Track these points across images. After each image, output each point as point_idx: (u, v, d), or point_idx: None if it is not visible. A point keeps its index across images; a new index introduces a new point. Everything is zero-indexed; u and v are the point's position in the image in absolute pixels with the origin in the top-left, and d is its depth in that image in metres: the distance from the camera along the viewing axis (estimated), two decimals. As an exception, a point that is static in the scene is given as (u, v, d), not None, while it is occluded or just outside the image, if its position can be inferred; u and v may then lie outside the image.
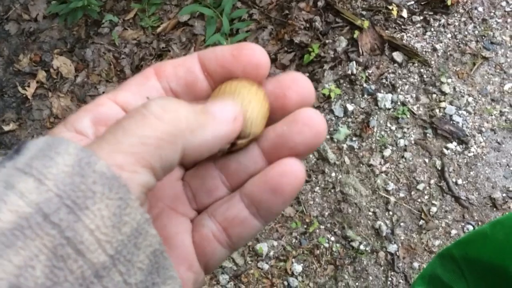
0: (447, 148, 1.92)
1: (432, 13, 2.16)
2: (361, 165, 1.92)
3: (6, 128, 2.20)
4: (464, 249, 0.77)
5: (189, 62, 0.33)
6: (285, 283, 1.79)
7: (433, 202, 1.85)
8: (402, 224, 1.83)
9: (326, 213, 1.87)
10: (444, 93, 2.00)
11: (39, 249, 0.22)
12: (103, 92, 2.23)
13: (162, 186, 0.33)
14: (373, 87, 2.03)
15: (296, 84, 0.32)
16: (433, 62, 2.06)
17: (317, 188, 1.90)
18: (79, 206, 0.24)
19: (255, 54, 0.31)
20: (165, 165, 0.27)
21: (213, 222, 0.33)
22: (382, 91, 2.02)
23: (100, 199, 0.24)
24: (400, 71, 2.05)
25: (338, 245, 1.83)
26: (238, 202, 0.32)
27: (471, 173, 1.89)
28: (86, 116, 0.31)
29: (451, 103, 1.98)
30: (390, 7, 2.15)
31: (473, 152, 1.91)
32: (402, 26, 2.15)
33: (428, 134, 1.94)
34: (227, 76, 0.32)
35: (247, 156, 0.33)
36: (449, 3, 2.12)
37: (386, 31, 2.14)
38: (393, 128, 1.96)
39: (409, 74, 2.05)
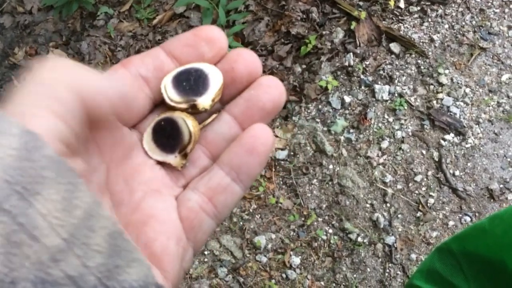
0: (444, 140, 1.92)
1: (429, 3, 2.14)
2: (359, 157, 1.92)
3: (2, 122, 2.20)
4: (463, 244, 0.77)
5: (154, 51, 0.35)
6: (283, 275, 1.80)
7: (431, 193, 1.86)
8: (399, 216, 1.84)
9: (324, 206, 1.87)
10: (441, 84, 1.99)
11: None
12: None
13: (141, 171, 0.35)
14: (370, 78, 2.02)
15: (242, 57, 0.35)
16: (430, 53, 2.05)
17: (315, 180, 1.91)
18: (30, 191, 0.23)
19: (213, 30, 0.35)
20: (68, 108, 0.27)
21: (197, 195, 0.34)
22: (379, 82, 2.02)
23: (50, 184, 0.24)
24: (397, 62, 2.05)
25: (336, 237, 1.83)
26: (218, 171, 0.34)
27: (469, 164, 1.89)
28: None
29: (448, 94, 1.98)
30: (387, -2, 2.14)
31: (471, 143, 1.91)
32: (399, 17, 2.13)
33: (425, 126, 1.94)
34: (192, 53, 0.35)
35: (221, 124, 0.36)
36: (446, -7, 2.11)
37: (383, 22, 2.13)
38: (391, 119, 1.96)
39: (406, 65, 2.04)
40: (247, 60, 0.35)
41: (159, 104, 0.37)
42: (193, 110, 0.36)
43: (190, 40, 0.35)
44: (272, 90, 0.35)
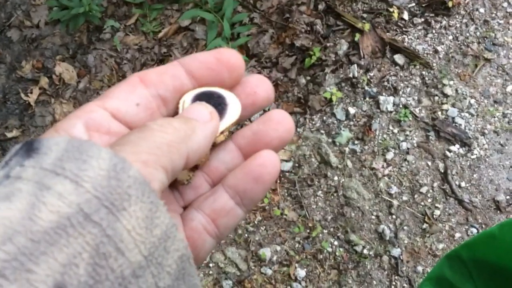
0: (450, 151, 1.91)
1: (433, 15, 2.15)
2: (364, 168, 1.91)
3: (9, 135, 2.21)
4: (472, 251, 0.77)
5: (173, 69, 0.36)
6: (289, 288, 1.79)
7: (437, 205, 1.85)
8: (405, 227, 1.83)
9: (329, 217, 1.87)
10: (446, 96, 1.99)
11: (82, 246, 0.23)
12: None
13: None
14: (374, 90, 2.02)
15: (263, 83, 0.37)
16: (434, 64, 2.05)
17: (320, 192, 1.90)
18: (117, 207, 0.25)
19: (234, 56, 0.36)
20: (174, 167, 0.29)
21: (201, 215, 0.35)
22: (383, 94, 2.02)
23: (135, 202, 0.25)
24: (401, 74, 2.05)
25: (341, 249, 1.82)
26: (223, 194, 0.35)
27: (474, 175, 1.88)
28: (78, 122, 0.32)
29: (453, 105, 1.97)
30: (391, 9, 2.15)
31: (476, 154, 1.90)
32: (403, 29, 2.14)
33: (430, 137, 1.93)
34: (212, 78, 0.36)
35: (226, 154, 0.37)
36: (450, 4, 2.11)
37: (387, 33, 2.13)
38: (395, 131, 1.96)
39: (410, 77, 2.04)
40: (266, 86, 0.37)
41: None
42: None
43: (211, 64, 0.36)
44: (281, 127, 0.36)
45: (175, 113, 0.36)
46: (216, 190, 0.35)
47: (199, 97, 0.36)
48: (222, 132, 0.36)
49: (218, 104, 0.36)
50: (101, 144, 0.30)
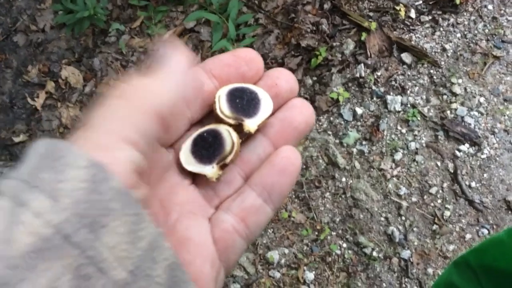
0: (459, 151, 1.88)
1: (440, 12, 2.12)
2: (372, 169, 1.89)
3: (16, 140, 2.21)
4: (480, 257, 0.77)
5: (193, 71, 0.37)
6: (297, 291, 1.77)
7: (447, 206, 1.82)
8: (415, 229, 1.81)
9: (337, 219, 1.85)
10: (455, 94, 1.96)
11: (62, 270, 0.22)
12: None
13: (176, 192, 0.36)
14: (382, 89, 2.00)
15: (283, 74, 0.38)
16: (443, 63, 2.02)
17: (328, 193, 1.88)
18: (98, 223, 0.24)
19: (251, 52, 0.37)
20: (146, 134, 0.28)
21: (230, 216, 0.35)
22: (391, 93, 1.99)
23: (117, 216, 0.24)
24: (409, 73, 2.02)
25: (350, 251, 1.80)
26: (250, 192, 0.35)
27: (485, 175, 1.85)
28: None
29: (462, 104, 1.95)
30: (398, 8, 2.12)
31: (486, 154, 1.87)
32: (411, 27, 2.11)
33: (439, 137, 1.91)
34: (232, 72, 0.37)
35: (256, 144, 0.37)
36: (458, 1, 2.08)
37: (394, 32, 2.11)
38: (404, 131, 1.93)
39: (418, 76, 2.01)
40: (288, 77, 0.38)
41: (196, 123, 0.38)
42: (238, 129, 0.37)
43: (230, 60, 0.37)
44: (305, 111, 0.37)
45: (196, 115, 0.37)
46: (244, 189, 0.36)
47: (233, 92, 0.37)
48: (257, 127, 0.37)
49: (252, 99, 0.37)
50: None
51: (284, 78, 0.38)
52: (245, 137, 0.38)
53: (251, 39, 2.17)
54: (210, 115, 0.38)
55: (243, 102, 0.37)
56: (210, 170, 0.36)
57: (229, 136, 0.36)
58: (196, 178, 0.37)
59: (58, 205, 0.23)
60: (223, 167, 0.36)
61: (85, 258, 0.23)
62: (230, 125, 0.37)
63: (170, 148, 0.37)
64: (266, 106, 0.37)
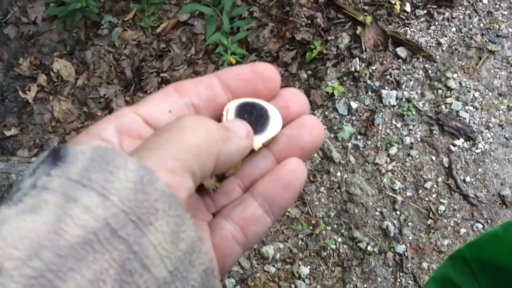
0: (454, 145, 1.89)
1: (435, 6, 2.12)
2: (367, 164, 1.89)
3: (8, 133, 2.19)
4: (476, 251, 0.77)
5: (208, 80, 0.36)
6: (292, 286, 1.77)
7: (441, 200, 1.83)
8: (410, 223, 1.81)
9: (332, 214, 1.85)
10: (450, 89, 1.96)
11: (109, 263, 0.23)
12: (104, 95, 2.21)
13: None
14: (377, 84, 2.00)
15: (296, 96, 0.37)
16: (438, 57, 2.02)
17: (322, 188, 1.88)
18: (144, 222, 0.24)
19: (270, 69, 0.36)
20: (203, 171, 0.29)
21: (230, 224, 0.35)
22: (386, 87, 1.99)
23: (162, 216, 0.25)
24: (404, 67, 2.02)
25: (345, 246, 1.80)
26: (252, 202, 0.35)
27: (479, 170, 1.86)
28: (110, 125, 0.32)
29: (457, 98, 1.95)
30: (393, 1, 2.11)
31: (481, 148, 1.88)
32: (406, 21, 2.11)
33: (434, 131, 1.91)
34: (248, 89, 0.36)
35: (260, 159, 0.37)
36: (453, -4, 2.08)
37: (389, 26, 2.10)
38: (399, 125, 1.93)
39: (413, 70, 2.01)
40: (301, 100, 0.37)
41: None
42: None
43: (247, 75, 0.36)
44: (314, 132, 0.36)
45: (217, 120, 0.36)
46: (245, 198, 0.36)
47: (242, 107, 0.36)
48: (262, 145, 0.36)
49: (261, 115, 0.36)
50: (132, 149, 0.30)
51: (297, 101, 0.37)
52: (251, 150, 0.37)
53: (245, 33, 2.16)
54: None
55: (252, 117, 0.36)
56: (207, 181, 0.35)
57: None
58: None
59: (107, 202, 0.24)
60: (221, 179, 0.36)
61: (130, 253, 0.24)
62: None
63: None
64: (274, 124, 0.36)
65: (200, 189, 0.36)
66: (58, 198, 0.24)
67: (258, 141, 0.35)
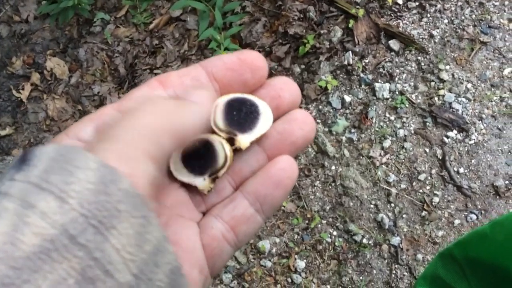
0: (447, 137, 1.90)
1: (428, -2, 2.12)
2: (361, 157, 1.90)
3: (2, 133, 2.19)
4: (465, 250, 0.78)
5: (194, 71, 0.36)
6: (289, 280, 1.78)
7: (435, 192, 1.84)
8: (404, 215, 1.82)
9: (327, 208, 1.86)
10: (442, 81, 1.97)
11: (67, 272, 0.22)
12: (98, 92, 2.21)
13: (166, 193, 0.35)
14: (370, 77, 2.00)
15: (287, 85, 0.37)
16: (430, 49, 2.02)
17: (317, 182, 1.89)
18: (105, 225, 0.23)
19: (258, 58, 0.36)
20: (163, 151, 0.28)
21: (220, 223, 0.34)
22: (379, 80, 1.99)
23: (125, 218, 0.24)
24: (397, 60, 2.02)
25: (340, 239, 1.82)
26: (242, 200, 0.35)
27: (473, 161, 1.87)
28: (90, 125, 0.32)
29: (450, 90, 1.95)
30: (385, -6, 2.11)
31: (474, 139, 1.89)
32: (398, 13, 2.11)
33: (427, 123, 1.92)
34: (235, 78, 0.35)
35: (250, 155, 0.36)
36: (445, -13, 2.08)
37: (382, 19, 2.10)
38: (392, 118, 1.94)
39: (406, 62, 2.01)
40: (292, 88, 0.37)
41: None
42: (230, 142, 0.35)
43: (234, 64, 0.35)
44: (306, 127, 0.36)
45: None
46: (236, 197, 0.35)
47: (232, 103, 0.35)
48: (250, 143, 0.35)
49: (250, 112, 0.35)
50: None
51: (288, 90, 0.37)
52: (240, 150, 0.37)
53: (238, 28, 2.15)
54: None
55: (241, 115, 0.35)
56: (201, 183, 0.35)
57: (222, 149, 0.35)
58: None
59: (65, 206, 0.23)
60: (215, 180, 0.35)
61: (91, 260, 0.23)
62: (221, 137, 0.36)
63: None
64: (264, 122, 0.35)
65: (190, 188, 0.36)
66: (17, 204, 0.23)
67: (247, 139, 0.35)
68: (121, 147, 0.27)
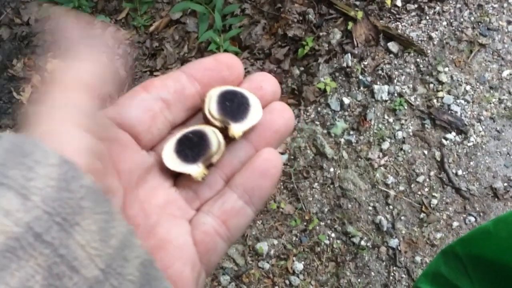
0: (446, 139, 1.89)
1: (426, 0, 2.12)
2: (360, 159, 1.90)
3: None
4: (467, 247, 0.78)
5: (175, 74, 0.37)
6: (287, 282, 1.78)
7: (434, 194, 1.83)
8: (402, 218, 1.82)
9: (326, 210, 1.86)
10: (441, 83, 1.97)
11: (35, 269, 0.22)
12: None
13: (156, 194, 0.35)
14: (369, 79, 2.00)
15: (267, 78, 0.39)
16: (429, 51, 2.02)
17: (316, 184, 1.89)
18: (69, 222, 0.24)
19: (232, 57, 0.38)
20: (88, 114, 0.28)
21: (211, 218, 0.35)
22: (378, 82, 1.99)
23: (88, 214, 0.24)
24: (396, 62, 2.02)
25: (338, 241, 1.81)
26: (231, 194, 0.35)
27: (471, 163, 1.86)
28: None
29: (448, 92, 1.95)
30: (384, -4, 2.11)
31: (473, 141, 1.88)
32: (397, 16, 2.11)
33: (426, 125, 1.92)
34: (214, 77, 0.37)
35: (238, 147, 0.37)
36: (444, -11, 2.08)
37: (381, 21, 2.10)
38: (391, 120, 1.94)
39: (405, 64, 2.01)
40: (271, 81, 0.39)
41: (178, 126, 0.38)
42: (223, 132, 0.36)
43: (211, 65, 0.37)
44: (285, 115, 0.37)
45: (179, 118, 0.37)
46: (225, 192, 0.36)
47: (224, 94, 0.36)
48: (242, 133, 0.36)
49: (242, 103, 0.37)
50: None
51: (268, 82, 0.38)
52: (229, 141, 0.37)
53: (237, 30, 2.16)
54: (192, 119, 0.38)
55: (233, 105, 0.36)
56: (195, 169, 0.35)
57: (215, 136, 0.36)
58: (177, 180, 0.37)
59: (28, 203, 0.23)
60: (209, 166, 0.36)
61: (57, 257, 0.23)
62: (216, 127, 0.37)
63: (151, 151, 0.36)
64: (255, 112, 0.37)
65: (183, 185, 0.36)
66: None
67: (239, 129, 0.36)
68: (47, 125, 0.27)
